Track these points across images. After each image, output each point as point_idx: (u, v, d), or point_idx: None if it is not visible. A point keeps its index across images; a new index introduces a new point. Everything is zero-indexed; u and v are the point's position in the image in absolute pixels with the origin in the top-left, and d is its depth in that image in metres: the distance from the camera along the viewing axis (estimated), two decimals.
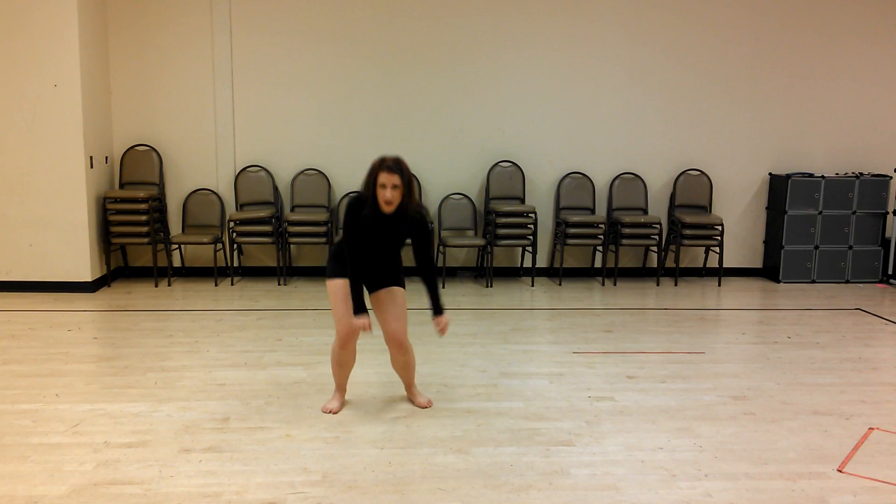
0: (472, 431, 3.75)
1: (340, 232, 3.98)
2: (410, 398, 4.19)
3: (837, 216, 7.40)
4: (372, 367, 4.67)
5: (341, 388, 4.11)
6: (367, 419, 3.89)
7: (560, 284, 7.25)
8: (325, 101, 7.22)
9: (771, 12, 7.36)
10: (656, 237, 7.26)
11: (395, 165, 3.61)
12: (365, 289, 3.91)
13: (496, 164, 7.30)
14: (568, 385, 4.43)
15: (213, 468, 3.32)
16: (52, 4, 6.25)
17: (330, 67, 7.17)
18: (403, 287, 4.00)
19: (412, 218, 3.77)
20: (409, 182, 3.66)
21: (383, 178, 3.59)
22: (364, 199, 3.68)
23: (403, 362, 4.06)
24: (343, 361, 4.00)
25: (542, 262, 7.53)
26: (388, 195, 3.60)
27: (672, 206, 7.48)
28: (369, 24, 7.13)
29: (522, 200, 7.31)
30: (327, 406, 4.04)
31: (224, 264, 7.22)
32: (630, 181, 7.44)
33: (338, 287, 3.86)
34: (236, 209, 7.18)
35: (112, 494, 3.07)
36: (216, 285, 6.98)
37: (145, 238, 6.81)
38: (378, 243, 3.82)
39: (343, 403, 4.10)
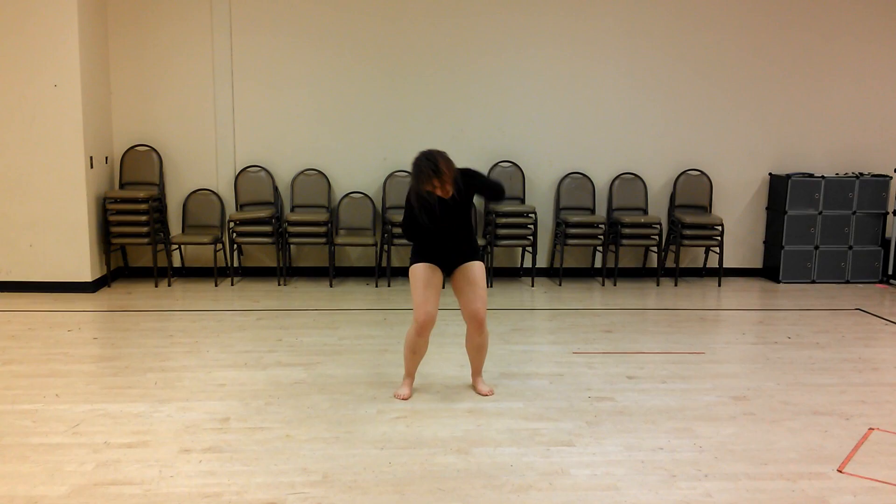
0: (472, 431, 3.75)
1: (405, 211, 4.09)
2: (473, 384, 4.32)
3: (837, 216, 7.40)
4: (372, 368, 4.67)
5: (411, 374, 4.25)
6: (367, 419, 3.88)
7: (560, 285, 7.24)
8: (325, 101, 7.22)
9: (771, 12, 7.35)
10: (656, 237, 7.26)
11: (436, 170, 3.70)
12: (441, 272, 4.04)
13: (496, 164, 7.30)
14: (568, 385, 4.43)
15: (213, 468, 3.32)
16: (52, 4, 6.25)
17: (330, 67, 7.17)
18: (480, 259, 4.09)
19: (459, 182, 3.85)
20: (453, 174, 3.77)
21: (434, 184, 3.74)
22: (421, 195, 3.80)
23: (478, 344, 4.17)
24: (417, 349, 4.14)
25: (542, 262, 7.53)
26: (443, 190, 3.78)
27: (672, 206, 7.48)
28: (369, 24, 7.13)
29: (522, 200, 7.31)
30: (399, 393, 4.19)
31: (224, 264, 7.21)
32: (630, 181, 7.43)
33: (418, 272, 4.00)
34: (236, 209, 7.18)
35: (112, 494, 3.07)
36: (216, 285, 6.98)
37: (145, 238, 6.81)
38: (445, 223, 3.94)
39: (412, 390, 4.24)
